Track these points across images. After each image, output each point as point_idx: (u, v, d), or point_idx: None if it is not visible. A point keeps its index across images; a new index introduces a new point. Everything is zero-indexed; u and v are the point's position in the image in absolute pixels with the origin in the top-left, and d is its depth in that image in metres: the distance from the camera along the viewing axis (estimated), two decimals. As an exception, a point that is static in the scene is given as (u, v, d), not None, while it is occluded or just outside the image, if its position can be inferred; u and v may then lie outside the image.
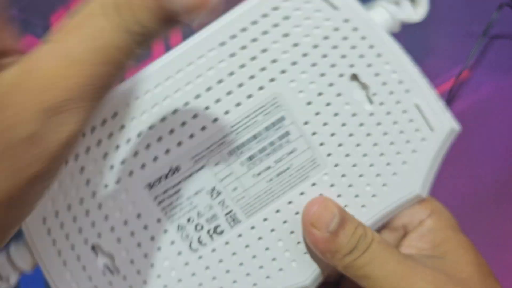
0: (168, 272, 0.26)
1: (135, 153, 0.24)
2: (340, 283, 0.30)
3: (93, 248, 0.25)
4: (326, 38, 0.25)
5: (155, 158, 0.24)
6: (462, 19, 0.43)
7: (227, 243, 0.26)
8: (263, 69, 0.24)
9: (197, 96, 0.24)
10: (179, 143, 0.24)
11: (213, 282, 0.26)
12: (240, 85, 0.24)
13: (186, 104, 0.24)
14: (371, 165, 0.26)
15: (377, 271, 0.24)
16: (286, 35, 0.24)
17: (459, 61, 0.43)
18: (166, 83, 0.24)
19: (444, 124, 0.26)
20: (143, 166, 0.24)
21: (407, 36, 0.41)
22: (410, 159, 0.26)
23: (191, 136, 0.25)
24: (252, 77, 0.24)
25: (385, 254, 0.24)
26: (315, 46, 0.25)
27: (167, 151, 0.24)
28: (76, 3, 0.40)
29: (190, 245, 0.26)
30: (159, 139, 0.24)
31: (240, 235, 0.26)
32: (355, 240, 0.24)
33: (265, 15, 0.24)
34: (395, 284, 0.24)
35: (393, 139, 0.26)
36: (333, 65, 0.25)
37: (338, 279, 0.30)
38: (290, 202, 0.26)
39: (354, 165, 0.26)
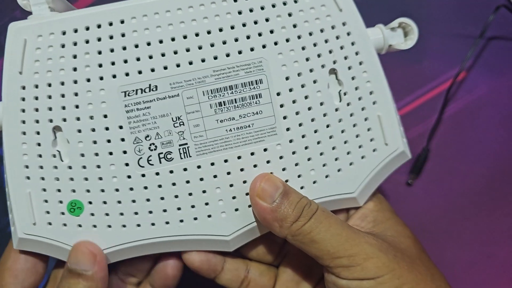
0: (110, 178, 0.27)
1: (125, 61, 0.27)
2: (279, 267, 0.31)
3: (54, 130, 0.27)
4: (322, 30, 0.28)
5: (140, 72, 0.27)
6: (458, 20, 0.44)
7: (171, 171, 0.28)
8: (260, 34, 0.28)
9: (197, 34, 0.27)
10: (165, 67, 0.27)
11: (146, 203, 0.28)
12: (236, 39, 0.27)
13: (184, 37, 0.27)
14: (321, 153, 0.28)
15: (322, 234, 0.25)
16: (290, 14, 0.28)
17: (456, 62, 0.43)
18: (177, 12, 0.27)
19: (398, 144, 0.29)
20: (127, 74, 0.27)
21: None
22: (358, 162, 0.29)
23: (178, 65, 0.27)
24: (248, 37, 0.28)
25: (329, 220, 0.26)
26: (310, 34, 0.28)
27: (153, 70, 0.27)
28: (78, 6, 0.44)
29: (138, 161, 0.27)
30: (150, 57, 0.27)
31: (185, 169, 0.28)
32: (300, 208, 0.26)
33: None
34: (340, 245, 0.25)
35: (348, 138, 0.29)
36: (319, 55, 0.28)
37: (276, 263, 0.31)
38: (239, 157, 0.28)
39: (306, 147, 0.28)
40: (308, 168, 0.28)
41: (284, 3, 0.28)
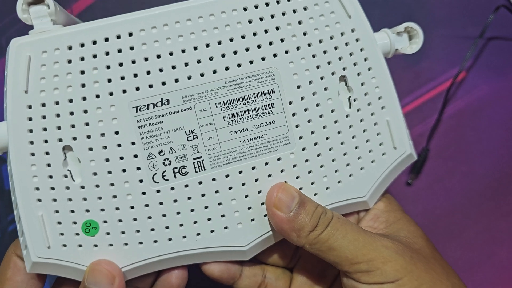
0: (124, 195, 0.27)
1: (135, 75, 0.26)
2: (294, 269, 0.32)
3: (64, 149, 0.26)
4: (331, 37, 0.28)
5: (151, 86, 0.26)
6: (458, 21, 0.44)
7: (186, 185, 0.27)
8: (271, 43, 0.27)
9: (207, 45, 0.27)
10: (177, 80, 0.27)
11: (162, 219, 0.27)
12: (247, 49, 0.27)
13: (195, 48, 0.27)
14: (333, 160, 0.29)
15: (340, 241, 0.26)
16: (300, 22, 0.28)
17: (456, 62, 0.44)
18: (187, 23, 0.26)
19: (406, 147, 0.30)
20: (138, 88, 0.26)
21: None
22: (368, 167, 0.29)
23: (189, 77, 0.27)
24: (259, 46, 0.27)
25: (345, 227, 0.26)
26: (320, 41, 0.28)
27: (164, 83, 0.26)
28: (78, 6, 0.42)
29: (153, 177, 0.27)
30: (161, 70, 0.26)
31: (200, 183, 0.27)
32: (316, 217, 0.26)
33: (288, 0, 0.27)
34: (358, 250, 0.26)
35: (358, 144, 0.29)
36: (329, 62, 0.28)
37: (291, 266, 0.32)
38: (253, 168, 0.28)
39: (319, 155, 0.29)
40: (321, 175, 0.29)
41: (294, 11, 0.27)
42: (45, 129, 0.26)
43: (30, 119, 0.25)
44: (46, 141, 0.26)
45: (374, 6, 0.44)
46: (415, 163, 0.43)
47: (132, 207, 0.27)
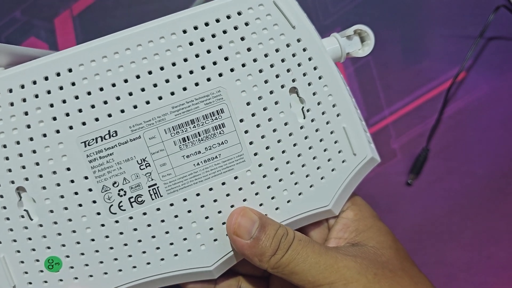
0: (84, 229, 0.27)
1: (80, 110, 0.26)
2: (270, 278, 0.32)
3: (18, 190, 0.26)
4: (277, 50, 0.27)
5: (97, 119, 0.26)
6: (458, 21, 0.44)
7: (144, 213, 0.27)
8: (215, 63, 0.27)
9: (150, 72, 0.26)
10: (122, 111, 0.26)
11: (124, 248, 0.27)
12: (191, 72, 0.27)
13: (138, 77, 0.26)
14: (292, 172, 0.28)
15: (301, 265, 0.26)
16: (242, 38, 0.27)
17: (456, 62, 0.44)
18: (126, 52, 0.26)
19: (366, 152, 0.29)
20: (84, 123, 0.26)
21: (406, 38, 0.44)
22: (329, 176, 0.29)
23: (135, 106, 0.26)
24: (203, 67, 0.27)
25: (306, 250, 0.26)
26: (266, 55, 0.27)
27: (110, 115, 0.26)
28: (78, 6, 0.42)
29: (110, 208, 0.27)
30: (105, 102, 0.26)
31: (158, 209, 0.27)
32: (277, 241, 0.26)
33: (228, 17, 0.27)
34: (320, 274, 0.26)
35: (316, 154, 0.29)
36: (277, 76, 0.28)
37: (267, 274, 0.32)
38: (211, 189, 0.28)
39: (276, 169, 0.28)
40: (281, 189, 0.28)
41: (236, 28, 0.27)
42: None
43: None
44: None
45: (374, 6, 0.44)
46: (415, 163, 0.43)
47: (93, 240, 0.27)
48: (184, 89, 0.27)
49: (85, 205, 0.27)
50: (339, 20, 0.44)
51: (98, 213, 0.27)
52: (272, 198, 0.28)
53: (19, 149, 0.26)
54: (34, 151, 0.26)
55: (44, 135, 0.26)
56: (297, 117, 0.28)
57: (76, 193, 0.27)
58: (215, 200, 0.28)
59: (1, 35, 0.41)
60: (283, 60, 0.28)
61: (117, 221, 0.27)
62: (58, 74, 0.26)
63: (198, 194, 0.28)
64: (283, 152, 0.28)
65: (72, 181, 0.26)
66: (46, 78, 0.26)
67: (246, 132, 0.28)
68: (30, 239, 0.27)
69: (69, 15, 0.43)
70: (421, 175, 0.44)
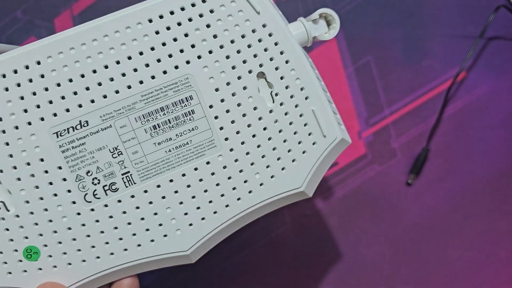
0: (60, 218, 0.28)
1: (50, 101, 0.26)
2: None
3: None
4: (243, 36, 0.28)
5: (68, 110, 0.27)
6: (459, 20, 0.44)
7: (119, 201, 0.28)
8: (182, 50, 0.27)
9: (118, 62, 0.27)
10: (92, 101, 0.27)
11: (100, 235, 0.28)
12: (158, 60, 0.27)
13: (106, 67, 0.27)
14: (263, 156, 0.29)
15: None
16: (208, 25, 0.27)
17: (456, 62, 0.44)
18: (93, 43, 0.26)
19: (336, 133, 0.30)
20: (55, 114, 0.27)
21: (406, 37, 0.44)
22: (300, 158, 0.29)
23: (105, 96, 0.27)
24: (170, 55, 0.27)
25: None
26: (232, 41, 0.28)
27: (80, 106, 0.27)
28: (79, 6, 0.42)
29: (84, 197, 0.28)
30: (75, 93, 0.27)
31: (133, 196, 0.28)
32: None
33: (193, 4, 0.27)
34: None
35: (286, 137, 0.29)
36: (244, 61, 0.28)
37: None
38: (184, 175, 0.28)
39: (247, 153, 0.29)
40: (253, 172, 0.29)
41: (201, 15, 0.27)
42: None
43: None
44: None
45: (374, 6, 0.44)
46: (415, 163, 0.43)
47: (69, 228, 0.28)
48: (153, 77, 0.27)
49: (60, 194, 0.27)
50: (339, 20, 0.44)
51: (74, 202, 0.28)
52: (245, 181, 0.29)
53: None
54: (7, 143, 0.26)
55: (16, 127, 0.26)
56: (266, 101, 0.29)
57: (50, 183, 0.27)
58: (188, 186, 0.28)
59: (2, 34, 0.41)
60: (249, 46, 0.28)
61: (92, 209, 0.28)
62: (27, 67, 0.26)
63: (171, 180, 0.28)
64: (254, 136, 0.29)
65: (46, 172, 0.27)
66: (15, 71, 0.26)
67: (216, 117, 0.28)
68: (7, 229, 0.27)
69: (69, 15, 0.43)
70: (421, 175, 0.44)
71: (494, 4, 0.43)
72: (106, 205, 0.28)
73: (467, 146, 0.44)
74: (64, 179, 0.27)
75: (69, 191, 0.27)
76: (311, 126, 0.29)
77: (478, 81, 0.44)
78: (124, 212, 0.28)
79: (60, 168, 0.27)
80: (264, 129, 0.29)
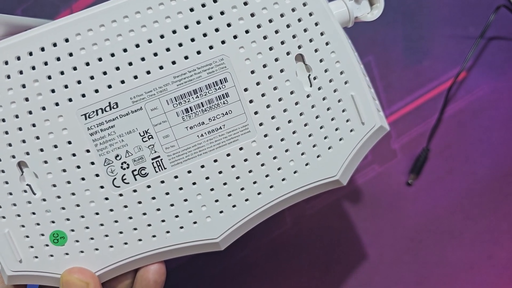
0: (87, 203, 0.27)
1: (79, 81, 0.25)
2: None
3: (19, 165, 0.26)
4: (282, 15, 0.26)
5: (97, 91, 0.25)
6: (459, 20, 0.44)
7: (149, 186, 0.27)
8: (217, 30, 0.26)
9: (150, 41, 0.25)
10: (123, 81, 0.25)
11: (129, 221, 0.27)
12: (192, 39, 0.26)
13: (137, 45, 0.25)
14: (298, 143, 0.28)
15: None
16: (245, 3, 0.26)
17: (456, 62, 0.44)
18: (124, 20, 0.25)
19: (375, 121, 0.28)
20: (83, 95, 0.25)
21: (407, 37, 0.44)
22: (336, 145, 0.28)
23: (135, 77, 0.26)
24: (205, 34, 0.26)
25: None
26: (270, 21, 0.26)
27: (110, 86, 0.25)
28: (79, 5, 0.41)
29: (113, 181, 0.27)
30: (105, 73, 0.25)
31: (162, 182, 0.27)
32: None
33: None
34: None
35: (323, 123, 0.28)
36: (282, 42, 0.26)
37: None
38: (215, 161, 0.27)
39: (282, 139, 0.27)
40: (287, 159, 0.28)
41: None
42: None
43: None
44: None
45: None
46: (415, 163, 0.43)
47: (97, 213, 0.27)
48: (186, 57, 0.26)
49: (87, 178, 0.26)
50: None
51: (102, 187, 0.27)
52: (279, 169, 0.28)
53: (18, 123, 0.25)
54: (34, 125, 0.25)
55: (43, 108, 0.25)
56: (303, 85, 0.27)
57: (78, 167, 0.26)
58: (220, 172, 0.27)
59: (2, 34, 0.41)
60: (288, 26, 0.26)
61: (121, 194, 0.27)
62: (55, 45, 0.25)
63: (202, 166, 0.27)
64: (289, 121, 0.27)
65: (74, 155, 0.26)
66: (43, 49, 0.25)
67: (250, 101, 0.27)
68: (34, 213, 0.26)
69: (69, 14, 0.42)
70: (421, 175, 0.44)
71: (494, 4, 0.43)
72: (135, 190, 0.27)
73: (467, 146, 0.44)
74: (92, 163, 0.26)
75: (97, 175, 0.26)
76: (350, 112, 0.28)
77: (478, 81, 0.44)
78: (153, 198, 0.27)
79: (88, 151, 0.26)
80: (301, 114, 0.27)
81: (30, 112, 0.25)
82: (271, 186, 0.28)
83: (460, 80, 0.44)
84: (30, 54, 0.25)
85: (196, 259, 0.43)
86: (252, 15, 0.26)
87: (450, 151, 0.44)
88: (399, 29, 0.44)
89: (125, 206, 0.27)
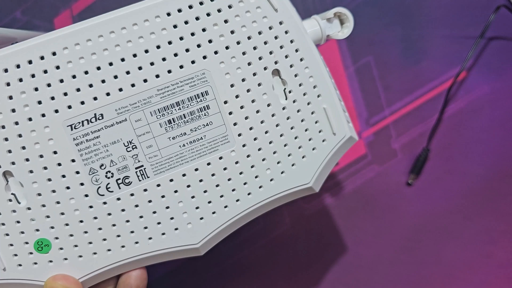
0: (72, 211, 0.27)
1: (65, 93, 0.26)
2: None
3: (4, 174, 0.26)
4: (260, 33, 0.28)
5: (83, 102, 0.26)
6: (459, 21, 0.44)
7: (132, 194, 0.28)
8: (199, 45, 0.27)
9: (134, 55, 0.26)
10: (108, 94, 0.27)
11: (112, 228, 0.28)
12: (175, 54, 0.27)
13: (122, 60, 0.26)
14: (275, 152, 0.29)
15: None
16: (226, 21, 0.27)
17: (456, 62, 0.44)
18: (110, 35, 0.26)
19: (345, 131, 0.30)
20: (69, 106, 0.26)
21: (406, 38, 0.44)
22: (310, 154, 0.30)
23: (120, 89, 0.27)
24: (187, 50, 0.27)
25: None
26: (249, 38, 0.28)
27: (95, 98, 0.26)
28: (78, 6, 0.41)
29: (97, 190, 0.28)
30: (91, 85, 0.26)
31: (145, 190, 0.28)
32: None
33: (212, 0, 0.27)
34: None
35: (298, 134, 0.30)
36: (260, 58, 0.28)
37: None
38: (196, 169, 0.29)
39: (259, 149, 0.29)
40: (264, 168, 0.29)
41: (219, 10, 0.27)
42: None
43: None
44: None
45: (374, 6, 0.44)
46: (415, 163, 0.43)
47: (81, 221, 0.28)
48: (169, 71, 0.27)
49: (72, 187, 0.27)
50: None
51: (86, 195, 0.27)
52: (256, 177, 0.29)
53: (4, 134, 0.26)
54: (20, 135, 0.26)
55: (30, 119, 0.26)
56: (279, 98, 0.29)
57: (63, 176, 0.27)
58: (200, 180, 0.29)
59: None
60: (265, 43, 0.28)
61: (105, 203, 0.28)
62: (42, 58, 0.26)
63: (184, 175, 0.28)
64: (266, 132, 0.29)
65: (59, 164, 0.27)
66: (30, 62, 0.26)
67: (230, 113, 0.28)
68: (18, 222, 0.27)
69: (69, 15, 0.42)
70: (421, 175, 0.44)
71: (494, 4, 0.43)
72: (118, 199, 0.28)
73: (467, 146, 0.44)
74: (77, 172, 0.27)
75: (82, 184, 0.27)
76: (322, 123, 0.30)
77: (478, 81, 0.44)
78: (137, 206, 0.28)
79: (73, 161, 0.27)
80: (277, 125, 0.29)
81: (17, 123, 0.26)
82: (249, 193, 0.29)
83: (460, 80, 0.44)
84: (18, 66, 0.25)
85: (194, 259, 0.43)
86: (232, 32, 0.27)
87: (450, 151, 0.44)
88: (398, 29, 0.44)
89: (109, 214, 0.28)
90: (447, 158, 0.44)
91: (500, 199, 0.44)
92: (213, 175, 0.29)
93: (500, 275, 0.44)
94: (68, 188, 0.27)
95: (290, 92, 0.29)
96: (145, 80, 0.27)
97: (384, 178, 0.45)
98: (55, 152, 0.27)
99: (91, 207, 0.28)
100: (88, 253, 0.28)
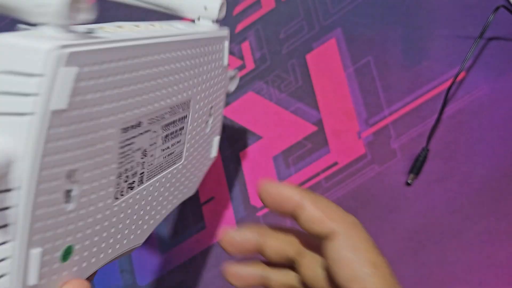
0: (95, 215, 0.26)
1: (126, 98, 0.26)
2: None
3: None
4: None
5: (134, 108, 0.27)
6: (458, 21, 0.44)
7: (129, 198, 0.30)
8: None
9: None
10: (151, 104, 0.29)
11: (111, 230, 0.28)
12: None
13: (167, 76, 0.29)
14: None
15: None
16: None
17: (456, 62, 0.43)
18: (172, 54, 0.29)
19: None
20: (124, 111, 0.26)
21: (406, 38, 0.45)
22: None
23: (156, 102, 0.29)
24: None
25: None
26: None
27: (140, 107, 0.28)
28: None
29: (115, 194, 0.28)
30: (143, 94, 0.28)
31: (137, 195, 0.30)
32: None
33: None
34: None
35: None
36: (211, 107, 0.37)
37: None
38: (162, 177, 0.33)
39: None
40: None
41: None
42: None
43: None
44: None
45: (374, 6, 0.45)
46: (414, 163, 0.44)
47: (97, 224, 0.27)
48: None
49: (106, 191, 0.27)
50: (339, 20, 0.44)
51: (109, 198, 0.27)
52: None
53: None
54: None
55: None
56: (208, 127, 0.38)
57: (104, 178, 0.26)
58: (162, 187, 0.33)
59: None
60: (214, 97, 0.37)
61: (115, 206, 0.28)
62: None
63: (162, 179, 0.33)
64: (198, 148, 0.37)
65: (105, 166, 0.26)
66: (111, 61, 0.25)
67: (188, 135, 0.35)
68: (60, 226, 0.24)
69: None
70: (421, 175, 0.44)
71: (494, 4, 0.42)
72: (122, 202, 0.29)
73: (466, 146, 0.44)
74: (112, 175, 0.27)
75: (109, 186, 0.27)
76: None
77: (478, 81, 0.44)
78: (129, 209, 0.30)
79: (113, 163, 0.27)
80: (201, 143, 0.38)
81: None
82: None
83: (459, 80, 0.44)
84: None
85: (195, 259, 0.39)
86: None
87: (449, 151, 0.44)
88: (398, 30, 0.45)
89: (114, 217, 0.28)
90: (447, 158, 0.44)
91: (500, 199, 0.44)
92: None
93: (502, 276, 0.43)
94: (102, 190, 0.26)
95: (212, 122, 0.38)
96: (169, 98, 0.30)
97: (384, 178, 0.45)
98: (107, 153, 0.26)
99: (108, 209, 0.27)
100: (97, 255, 0.27)
